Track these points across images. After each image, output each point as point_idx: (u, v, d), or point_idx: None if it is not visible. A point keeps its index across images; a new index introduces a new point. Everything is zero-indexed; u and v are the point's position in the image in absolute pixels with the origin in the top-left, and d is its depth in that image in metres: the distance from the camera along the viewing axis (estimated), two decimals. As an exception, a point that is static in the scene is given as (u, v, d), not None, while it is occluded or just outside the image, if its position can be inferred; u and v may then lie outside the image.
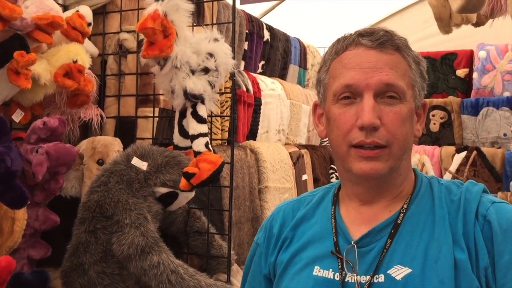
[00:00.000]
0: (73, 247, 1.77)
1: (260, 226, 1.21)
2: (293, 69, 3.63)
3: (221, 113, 2.42)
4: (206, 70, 1.85)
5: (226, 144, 2.48)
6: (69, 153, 1.85)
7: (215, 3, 2.57)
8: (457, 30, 2.77)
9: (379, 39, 0.99)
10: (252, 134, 2.84)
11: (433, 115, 4.39)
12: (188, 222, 2.07)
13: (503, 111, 4.10)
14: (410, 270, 0.94)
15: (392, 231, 0.99)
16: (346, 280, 0.98)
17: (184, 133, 1.93)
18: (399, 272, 0.94)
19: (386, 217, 1.01)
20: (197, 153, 1.82)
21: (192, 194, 1.91)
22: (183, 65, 1.81)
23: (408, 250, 0.96)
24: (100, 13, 2.25)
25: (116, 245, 1.69)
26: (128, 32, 2.23)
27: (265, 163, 2.69)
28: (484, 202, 0.98)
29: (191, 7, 1.85)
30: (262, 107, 2.87)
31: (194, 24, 2.11)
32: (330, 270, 1.00)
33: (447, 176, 3.94)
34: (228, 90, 2.35)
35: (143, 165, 1.80)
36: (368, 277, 0.96)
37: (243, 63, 3.07)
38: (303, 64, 3.77)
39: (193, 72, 1.84)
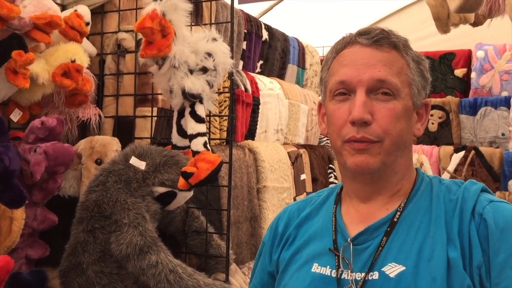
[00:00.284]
0: (71, 247, 1.77)
1: (268, 225, 1.25)
2: (292, 69, 3.63)
3: (219, 112, 2.42)
4: (204, 70, 1.85)
5: (225, 143, 2.48)
6: (67, 152, 1.85)
7: (213, 2, 2.57)
8: (455, 30, 2.77)
9: (375, 37, 1.01)
10: (251, 133, 2.84)
11: (432, 115, 4.39)
12: (186, 221, 2.07)
13: (501, 110, 4.11)
14: (403, 268, 0.95)
15: (388, 229, 1.00)
16: (342, 277, 0.99)
17: (182, 132, 1.93)
18: (393, 269, 0.95)
19: (383, 215, 1.02)
20: (195, 153, 1.82)
21: (191, 193, 1.91)
22: (182, 64, 1.81)
23: (403, 248, 0.97)
24: (98, 12, 2.25)
25: (115, 244, 1.69)
26: (127, 31, 2.23)
27: (263, 163, 2.70)
28: (482, 200, 0.98)
29: (189, 6, 1.85)
30: (260, 106, 2.87)
31: (193, 24, 2.11)
32: (328, 267, 1.02)
33: (446, 176, 3.95)
34: (226, 89, 2.35)
35: (141, 165, 1.80)
36: (363, 274, 0.97)
37: (241, 62, 3.07)
38: (301, 64, 3.78)
39: (191, 71, 1.84)
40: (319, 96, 3.96)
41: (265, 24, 3.34)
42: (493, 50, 4.29)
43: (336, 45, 1.07)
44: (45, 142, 1.80)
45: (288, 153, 3.00)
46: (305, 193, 3.15)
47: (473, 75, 4.35)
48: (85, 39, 2.06)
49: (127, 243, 1.67)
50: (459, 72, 4.48)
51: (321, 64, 4.24)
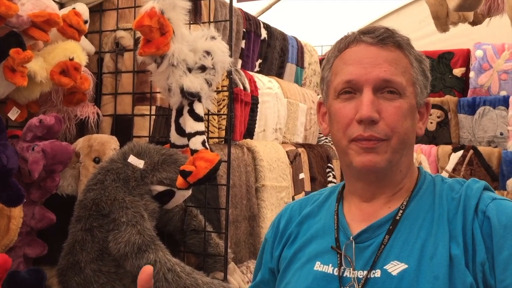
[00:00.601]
0: (69, 245, 1.77)
1: (267, 224, 1.24)
2: (290, 68, 3.63)
3: (218, 111, 2.41)
4: (203, 68, 1.85)
5: (223, 142, 2.48)
6: (66, 151, 1.84)
7: (212, 1, 2.57)
8: (454, 29, 2.77)
9: (380, 36, 1.01)
10: (249, 132, 2.83)
11: (430, 114, 4.38)
12: (185, 220, 2.07)
13: (500, 110, 4.11)
14: (406, 266, 0.95)
15: (391, 227, 1.00)
16: (344, 275, 0.99)
17: (181, 131, 1.93)
18: (395, 267, 0.96)
19: (385, 213, 1.03)
20: (194, 151, 1.82)
21: (189, 192, 1.90)
22: (180, 63, 1.81)
23: (405, 246, 0.97)
24: (96, 10, 2.24)
25: (113, 243, 1.69)
26: (125, 30, 2.22)
27: (262, 162, 2.69)
28: (485, 198, 0.98)
29: (188, 5, 1.85)
30: (259, 105, 2.86)
31: (191, 22, 2.11)
32: (330, 265, 1.02)
33: (444, 175, 3.94)
34: (225, 88, 2.34)
35: (139, 163, 1.80)
36: (365, 272, 0.98)
37: (240, 61, 3.07)
38: (300, 62, 3.77)
39: (190, 70, 1.83)
40: (318, 95, 3.97)
41: (264, 23, 3.34)
42: (491, 50, 4.30)
43: (339, 44, 1.06)
44: (43, 141, 1.80)
45: (286, 152, 3.00)
46: (303, 192, 3.15)
47: (471, 74, 4.35)
48: (83, 37, 2.05)
49: (125, 242, 1.67)
50: (457, 71, 4.49)
51: (320, 63, 4.24)
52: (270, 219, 1.24)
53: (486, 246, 0.93)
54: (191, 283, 1.64)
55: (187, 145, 1.88)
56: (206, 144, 1.86)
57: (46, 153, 1.75)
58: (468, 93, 4.40)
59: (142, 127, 2.17)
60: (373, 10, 5.13)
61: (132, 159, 1.80)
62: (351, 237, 1.02)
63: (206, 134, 1.94)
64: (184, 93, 1.82)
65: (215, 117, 2.44)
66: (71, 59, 1.84)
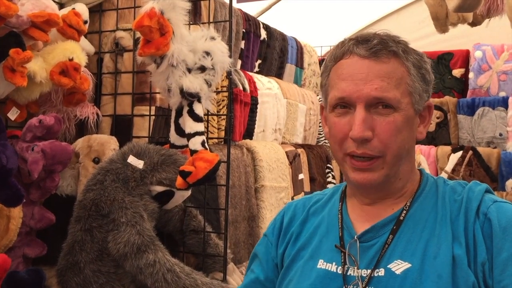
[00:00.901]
0: (68, 246, 1.77)
1: (266, 224, 1.24)
2: (290, 68, 3.63)
3: (217, 112, 2.42)
4: (202, 69, 1.85)
5: (223, 143, 2.48)
6: (65, 151, 1.84)
7: (211, 1, 2.57)
8: (453, 30, 2.78)
9: (373, 48, 0.99)
10: (249, 133, 2.84)
11: (431, 115, 4.39)
12: (184, 220, 2.07)
13: (499, 111, 4.11)
14: (409, 265, 0.96)
15: (394, 227, 1.02)
16: (348, 273, 1.01)
17: (180, 131, 1.93)
18: (399, 266, 0.97)
19: (389, 213, 1.04)
20: (193, 152, 1.82)
21: (188, 192, 1.90)
22: (180, 63, 1.81)
23: (409, 246, 0.99)
24: (96, 11, 2.24)
25: (112, 243, 1.69)
26: (125, 30, 2.22)
27: (261, 162, 2.69)
28: (486, 200, 1.00)
29: (187, 5, 1.85)
30: (258, 106, 2.87)
31: (191, 23, 2.11)
32: (334, 263, 1.04)
33: (443, 176, 3.94)
34: (224, 89, 2.35)
35: (139, 164, 1.80)
36: (369, 271, 0.99)
37: (239, 62, 3.07)
38: (300, 63, 3.78)
39: (189, 70, 1.84)
40: (317, 95, 3.97)
41: (263, 24, 3.34)
42: (491, 51, 4.30)
43: (335, 51, 1.06)
44: (42, 141, 1.80)
45: (286, 152, 3.00)
46: (303, 193, 3.15)
47: (471, 75, 4.35)
48: (83, 38, 2.05)
49: (125, 242, 1.67)
50: (457, 72, 4.49)
51: (319, 63, 4.24)
52: (270, 220, 1.24)
53: (486, 247, 0.94)
54: (190, 284, 1.64)
55: (187, 146, 1.88)
56: (206, 144, 1.86)
57: (45, 153, 1.75)
58: (467, 94, 4.40)
59: (142, 128, 2.17)
60: (372, 10, 5.12)
61: (131, 160, 1.80)
62: (355, 236, 1.03)
63: (205, 134, 1.94)
64: (183, 93, 1.82)
65: (215, 117, 2.44)
66: (71, 59, 1.85)
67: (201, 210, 2.12)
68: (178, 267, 1.66)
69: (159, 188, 1.82)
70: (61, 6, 2.13)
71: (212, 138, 2.40)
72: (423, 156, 4.15)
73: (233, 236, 2.38)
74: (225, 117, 2.43)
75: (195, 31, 1.96)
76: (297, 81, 3.76)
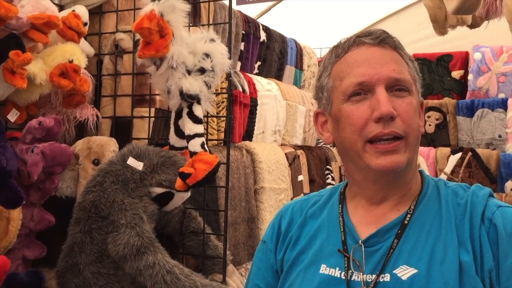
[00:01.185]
0: (68, 247, 1.76)
1: (266, 226, 1.23)
2: (289, 70, 3.64)
3: (217, 113, 2.42)
4: (202, 71, 1.85)
5: (222, 144, 2.48)
6: (65, 153, 1.85)
7: (211, 3, 2.57)
8: (452, 32, 2.78)
9: (379, 37, 1.03)
10: (248, 134, 2.84)
11: (429, 117, 4.40)
12: (183, 222, 2.07)
13: (498, 112, 4.12)
14: (416, 271, 0.95)
15: (399, 231, 1.00)
16: (352, 278, 0.99)
17: (180, 133, 1.93)
18: (405, 272, 0.96)
19: (393, 217, 1.03)
20: (193, 154, 1.82)
21: (188, 194, 1.90)
22: (179, 65, 1.81)
23: (415, 251, 0.97)
24: (96, 13, 2.24)
25: (112, 245, 1.69)
26: (124, 32, 2.23)
27: (261, 164, 2.70)
28: (490, 205, 0.99)
29: (187, 7, 1.85)
30: (258, 107, 2.87)
31: (191, 25, 2.11)
32: (337, 268, 1.02)
33: (443, 178, 3.95)
34: (224, 90, 2.35)
35: (138, 165, 1.80)
36: (374, 276, 0.97)
37: (239, 63, 3.07)
38: (299, 65, 3.78)
39: (189, 72, 1.84)
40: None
41: (263, 25, 3.34)
42: (490, 52, 4.31)
43: (335, 50, 1.06)
44: (42, 143, 1.80)
45: (285, 154, 3.01)
46: (302, 194, 3.15)
47: (470, 77, 4.36)
48: (82, 40, 2.05)
49: (124, 244, 1.67)
50: (456, 74, 4.50)
51: (319, 65, 4.24)
52: (269, 221, 1.22)
53: (493, 253, 0.94)
54: (190, 285, 1.64)
55: (186, 147, 1.88)
56: (205, 146, 1.86)
57: (45, 155, 1.75)
58: (466, 95, 4.41)
59: (141, 129, 2.17)
60: (372, 12, 5.13)
61: (131, 161, 1.80)
62: (360, 241, 1.01)
63: (205, 136, 1.94)
64: (183, 95, 1.82)
65: (214, 119, 2.44)
66: (71, 61, 1.85)
67: (200, 212, 2.12)
68: (178, 269, 1.66)
69: (159, 190, 1.82)
70: (61, 8, 2.13)
71: (211, 140, 2.40)
72: (423, 158, 4.15)
73: (232, 238, 2.38)
74: (224, 118, 2.43)
75: (194, 33, 1.97)
76: (297, 82, 3.76)
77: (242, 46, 3.06)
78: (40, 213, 1.87)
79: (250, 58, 3.17)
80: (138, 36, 1.91)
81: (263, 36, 3.29)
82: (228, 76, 2.20)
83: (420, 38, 4.63)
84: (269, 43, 3.35)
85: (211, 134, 2.41)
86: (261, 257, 1.18)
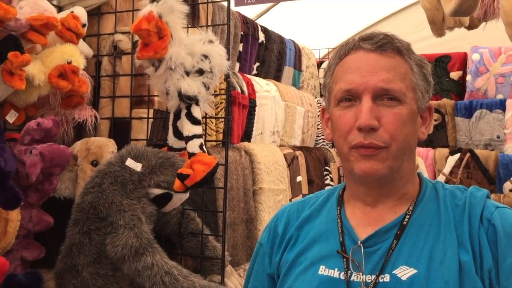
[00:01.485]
0: (66, 249, 1.77)
1: (264, 227, 1.23)
2: (288, 71, 3.64)
3: (215, 114, 2.42)
4: (200, 72, 1.85)
5: (221, 145, 2.49)
6: (63, 154, 1.85)
7: (210, 4, 2.57)
8: (451, 33, 2.78)
9: (379, 42, 1.02)
10: (247, 135, 2.84)
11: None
12: (182, 223, 2.07)
13: (496, 113, 4.13)
14: (415, 271, 0.96)
15: (398, 232, 1.01)
16: (351, 279, 0.99)
17: (178, 134, 1.93)
18: (404, 272, 0.96)
19: (392, 218, 1.03)
20: (191, 155, 1.82)
21: (186, 195, 1.91)
22: (178, 66, 1.82)
23: (414, 251, 0.98)
24: (94, 14, 2.24)
25: (110, 246, 1.69)
26: (123, 33, 2.23)
27: (259, 165, 2.70)
28: (489, 206, 1.00)
29: (186, 8, 1.85)
30: (256, 108, 2.87)
31: (189, 26, 2.11)
32: (336, 269, 1.02)
33: (441, 178, 3.96)
34: (222, 91, 2.35)
35: (137, 166, 1.80)
36: (373, 276, 0.98)
37: (238, 64, 3.08)
38: (298, 66, 3.79)
39: (187, 73, 1.84)
40: (315, 98, 3.98)
41: (261, 26, 3.35)
42: (488, 53, 4.32)
43: (339, 51, 1.07)
44: (41, 144, 1.80)
45: (284, 155, 3.01)
46: (301, 195, 3.15)
47: (468, 78, 4.37)
48: (81, 41, 2.05)
49: (123, 245, 1.67)
50: (454, 74, 4.51)
51: (317, 66, 4.25)
52: (267, 222, 1.22)
53: (492, 253, 0.94)
54: (188, 286, 1.64)
55: (185, 148, 1.88)
56: (204, 147, 1.86)
57: (43, 156, 1.76)
58: (465, 96, 4.42)
59: (140, 130, 2.17)
60: (370, 13, 5.13)
61: (129, 162, 1.80)
62: (359, 242, 1.02)
63: (203, 137, 1.95)
64: (181, 96, 1.83)
65: (213, 120, 2.44)
66: (69, 62, 1.85)
67: (199, 213, 2.12)
68: (176, 270, 1.66)
69: (157, 191, 1.83)
70: (60, 9, 2.13)
71: (210, 141, 2.41)
72: (421, 159, 4.15)
73: (231, 239, 2.39)
74: (223, 119, 2.43)
75: (193, 34, 1.97)
76: (295, 83, 3.76)
77: (240, 47, 3.07)
78: (39, 214, 1.87)
79: (249, 59, 3.17)
80: (136, 38, 1.91)
81: (261, 37, 3.30)
82: (227, 77, 2.21)
83: (418, 39, 4.63)
84: (268, 44, 3.36)
85: (209, 135, 2.41)
86: (258, 259, 1.19)
